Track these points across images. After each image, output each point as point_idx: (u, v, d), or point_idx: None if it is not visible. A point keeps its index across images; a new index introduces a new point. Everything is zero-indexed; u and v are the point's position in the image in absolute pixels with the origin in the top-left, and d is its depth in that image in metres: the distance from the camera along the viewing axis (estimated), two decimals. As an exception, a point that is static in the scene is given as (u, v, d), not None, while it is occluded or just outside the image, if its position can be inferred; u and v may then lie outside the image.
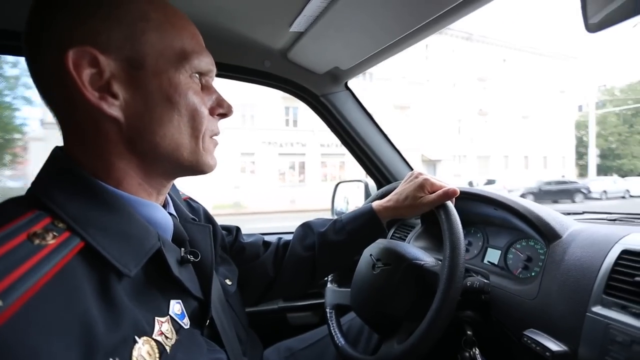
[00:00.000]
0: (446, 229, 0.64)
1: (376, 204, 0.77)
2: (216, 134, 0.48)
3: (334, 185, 1.47)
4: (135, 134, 0.41)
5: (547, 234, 0.68)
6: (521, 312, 0.65)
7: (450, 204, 0.69)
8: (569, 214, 0.91)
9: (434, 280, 0.62)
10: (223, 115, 0.49)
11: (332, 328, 0.80)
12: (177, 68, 0.42)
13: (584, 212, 0.92)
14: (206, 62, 0.45)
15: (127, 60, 0.39)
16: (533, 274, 0.73)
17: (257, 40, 0.95)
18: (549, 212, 0.74)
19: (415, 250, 0.75)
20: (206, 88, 0.46)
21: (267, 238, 0.80)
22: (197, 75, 0.44)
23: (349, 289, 0.83)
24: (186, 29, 0.44)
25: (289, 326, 1.14)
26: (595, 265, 0.55)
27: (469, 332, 0.71)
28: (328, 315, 0.82)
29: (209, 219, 0.68)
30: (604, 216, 0.86)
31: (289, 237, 0.79)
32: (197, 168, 0.46)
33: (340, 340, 0.77)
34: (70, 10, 0.38)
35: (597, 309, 0.52)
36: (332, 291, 0.86)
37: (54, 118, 0.42)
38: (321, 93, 1.11)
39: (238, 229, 0.78)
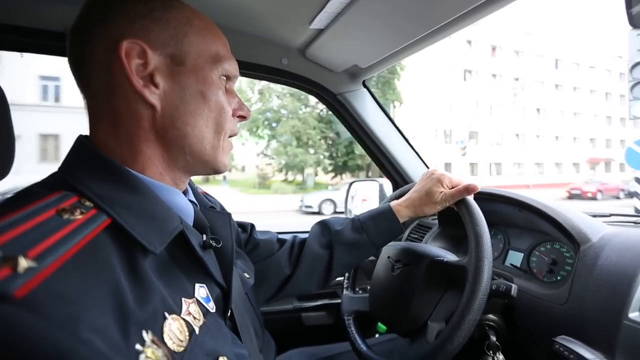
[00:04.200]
0: (469, 221, 0.63)
1: (394, 203, 0.76)
2: (234, 134, 0.52)
3: (348, 184, 1.46)
4: (168, 122, 0.44)
5: (577, 237, 0.66)
6: (550, 318, 0.63)
7: (471, 198, 0.68)
8: (595, 216, 0.89)
9: (460, 275, 0.61)
10: (242, 118, 0.53)
11: (352, 335, 0.78)
12: (211, 68, 0.46)
13: (611, 215, 0.89)
14: (234, 67, 0.50)
15: (171, 56, 0.44)
16: (559, 277, 0.71)
17: (276, 38, 0.94)
18: (577, 215, 0.72)
19: (435, 248, 0.73)
20: (229, 91, 0.50)
21: (280, 235, 0.79)
22: (224, 77, 0.49)
23: (366, 295, 0.81)
24: (220, 37, 0.49)
25: (304, 326, 1.13)
26: (632, 270, 0.53)
27: (492, 337, 0.70)
28: (347, 322, 0.81)
29: (224, 210, 0.68)
30: (633, 219, 0.83)
31: (304, 235, 0.79)
32: (214, 164, 0.49)
33: (362, 346, 0.75)
34: (127, 10, 0.42)
35: (636, 316, 0.49)
36: (349, 298, 0.85)
37: (85, 103, 0.45)
38: (338, 91, 1.09)
39: (252, 225, 0.78)
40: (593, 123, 31.44)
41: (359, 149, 18.91)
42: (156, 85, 0.43)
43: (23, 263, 0.27)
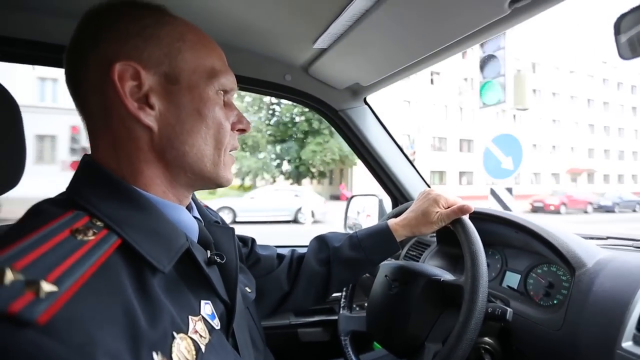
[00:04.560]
0: (464, 240, 0.63)
1: (392, 222, 0.77)
2: (235, 148, 0.51)
3: (348, 198, 1.46)
4: (165, 143, 0.43)
5: (573, 262, 0.66)
6: (545, 343, 0.62)
7: (467, 218, 0.68)
8: (592, 238, 0.89)
9: (457, 294, 0.61)
10: (242, 131, 0.52)
11: (349, 356, 0.78)
12: (207, 84, 0.45)
13: (608, 238, 0.89)
14: (231, 80, 0.49)
15: (165, 75, 0.43)
16: (555, 301, 0.70)
17: (280, 56, 0.97)
18: (573, 238, 0.72)
19: (432, 267, 0.74)
20: (228, 105, 0.49)
21: (280, 250, 0.80)
22: (222, 92, 0.48)
23: (363, 314, 0.81)
24: (215, 50, 0.48)
25: (300, 342, 1.12)
26: (626, 298, 0.53)
27: None
28: (343, 343, 0.80)
29: (226, 225, 0.69)
30: (630, 243, 0.83)
31: (302, 250, 0.79)
32: (216, 180, 0.48)
33: None
34: (119, 30, 0.42)
35: (628, 345, 0.49)
36: (346, 318, 0.85)
37: (84, 125, 0.45)
38: (340, 108, 1.11)
39: (253, 240, 0.78)
40: (574, 131, 30.22)
41: (305, 154, 18.87)
42: (151, 107, 0.42)
43: (45, 287, 0.27)
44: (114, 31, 0.41)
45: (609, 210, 17.99)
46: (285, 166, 20.46)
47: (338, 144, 19.17)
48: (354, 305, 0.99)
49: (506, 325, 0.70)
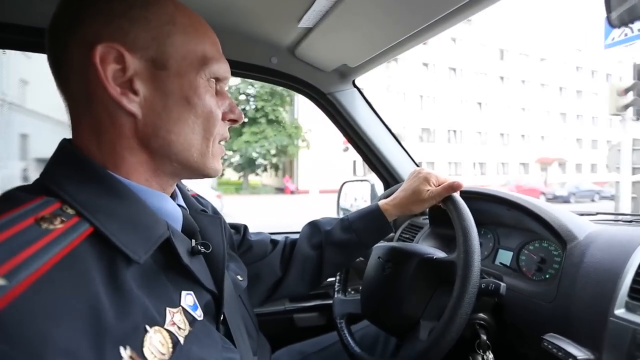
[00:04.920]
0: (456, 217, 0.63)
1: (382, 202, 0.76)
2: (225, 139, 0.49)
3: (340, 184, 1.45)
4: (150, 131, 0.41)
5: (564, 235, 0.66)
6: (538, 316, 0.63)
7: (457, 195, 0.68)
8: (582, 214, 0.90)
9: (451, 271, 0.61)
10: (233, 121, 0.50)
11: (345, 338, 0.78)
12: (197, 71, 0.43)
13: (597, 213, 0.90)
14: (224, 69, 0.46)
15: (152, 60, 0.40)
16: (547, 276, 0.71)
17: (264, 37, 0.93)
18: (564, 213, 0.72)
19: (425, 247, 0.74)
20: (220, 93, 0.47)
21: (273, 237, 0.79)
22: (213, 80, 0.46)
23: (357, 297, 0.81)
24: (208, 35, 0.45)
25: (296, 327, 1.12)
26: (617, 267, 0.54)
27: (482, 336, 0.70)
28: (339, 325, 0.81)
29: (216, 213, 0.67)
30: (619, 217, 0.85)
31: (296, 236, 0.79)
32: (203, 171, 0.46)
33: (355, 349, 0.75)
34: (102, 9, 0.39)
35: (621, 312, 0.50)
36: (341, 301, 0.85)
37: (66, 109, 0.42)
38: (328, 91, 1.09)
39: (245, 227, 0.77)
40: (545, 120, 29.20)
41: (237, 144, 17.79)
42: (135, 92, 0.40)
43: None
44: (97, 9, 0.39)
45: (565, 200, 17.71)
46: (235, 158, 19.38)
47: (274, 134, 18.36)
48: (349, 289, 1.00)
49: (500, 301, 0.71)
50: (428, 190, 0.72)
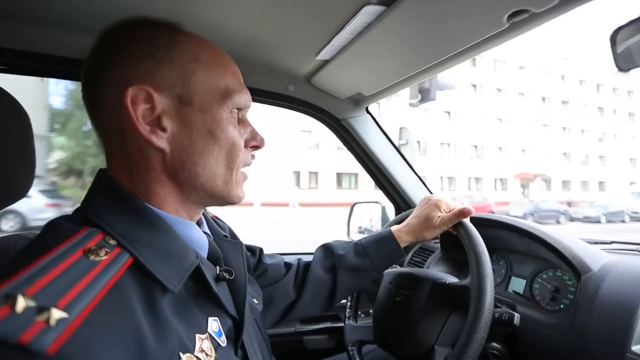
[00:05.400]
0: (468, 242, 0.64)
1: (395, 228, 0.78)
2: (248, 165, 0.51)
3: (351, 205, 1.47)
4: (178, 164, 0.43)
5: (578, 266, 0.67)
6: (553, 347, 0.63)
7: (468, 221, 0.69)
8: (595, 242, 0.89)
9: (464, 296, 0.61)
10: (256, 148, 0.52)
11: None
12: (220, 104, 0.45)
13: (612, 242, 0.90)
14: (245, 99, 0.48)
15: (177, 97, 0.42)
16: (562, 306, 0.71)
17: (283, 67, 0.98)
18: (577, 243, 0.73)
19: (437, 272, 0.74)
20: (242, 122, 0.49)
21: (286, 259, 0.80)
22: (236, 110, 0.47)
23: (369, 323, 0.81)
24: (230, 68, 0.48)
25: (306, 350, 1.12)
26: (634, 302, 0.54)
27: None
28: (350, 352, 0.80)
29: (234, 237, 0.69)
30: (634, 247, 0.84)
31: (307, 257, 0.80)
32: (227, 199, 0.48)
33: None
34: (132, 50, 0.42)
35: (638, 349, 0.50)
36: (352, 327, 0.84)
37: (100, 144, 0.45)
38: (342, 117, 1.13)
39: (261, 250, 0.79)
40: (526, 131, 26.21)
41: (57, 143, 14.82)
42: (163, 129, 0.42)
43: (55, 314, 0.27)
44: (127, 51, 0.42)
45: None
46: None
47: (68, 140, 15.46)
48: (359, 313, 0.99)
49: (513, 330, 0.71)
50: (439, 216, 0.73)
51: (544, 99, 27.23)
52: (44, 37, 0.81)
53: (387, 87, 0.99)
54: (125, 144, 0.42)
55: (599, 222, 16.54)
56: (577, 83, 28.64)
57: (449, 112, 23.82)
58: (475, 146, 24.68)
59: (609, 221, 16.00)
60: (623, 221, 16.62)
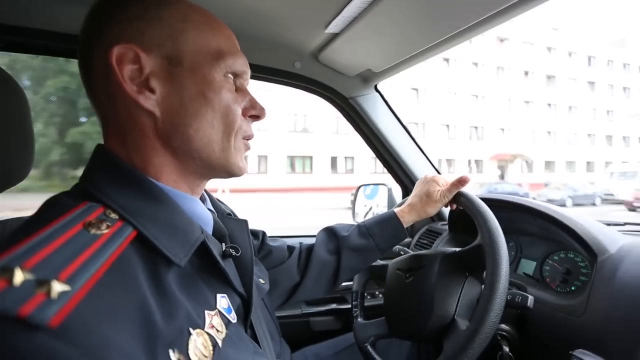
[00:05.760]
0: (471, 206, 0.66)
1: (398, 209, 0.80)
2: (249, 136, 0.49)
3: (357, 187, 1.45)
4: (169, 128, 0.42)
5: (595, 248, 0.65)
6: (566, 330, 0.62)
7: (466, 190, 0.73)
8: (609, 224, 0.88)
9: (477, 256, 0.61)
10: (255, 117, 0.49)
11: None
12: (212, 66, 0.43)
13: (625, 223, 0.88)
14: (240, 63, 0.46)
15: (167, 57, 0.41)
16: (573, 287, 0.70)
17: (289, 42, 0.94)
18: (593, 224, 0.71)
19: (441, 247, 0.73)
20: (240, 90, 0.47)
21: (288, 242, 0.80)
22: (231, 75, 0.45)
23: (379, 319, 0.80)
24: (222, 30, 0.46)
25: (312, 331, 1.13)
26: None
27: (505, 348, 0.69)
28: (365, 350, 0.78)
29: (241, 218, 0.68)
30: None
31: (309, 240, 0.81)
32: (226, 167, 0.46)
33: None
34: (120, 13, 0.40)
35: None
36: (362, 325, 0.82)
37: (96, 114, 0.44)
38: (350, 95, 1.09)
39: (264, 233, 0.79)
40: (506, 109, 23.80)
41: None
42: (152, 90, 0.40)
43: (56, 287, 0.26)
44: (117, 15, 0.40)
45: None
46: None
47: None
48: (366, 295, 0.99)
49: (523, 312, 0.70)
50: (438, 190, 0.77)
51: (526, 73, 24.66)
52: (39, 13, 0.77)
53: (398, 64, 0.95)
54: (117, 111, 0.41)
55: (563, 205, 15.98)
56: (565, 55, 26.04)
57: (416, 89, 21.56)
58: (447, 125, 22.35)
59: (576, 204, 14.88)
60: (594, 204, 15.74)
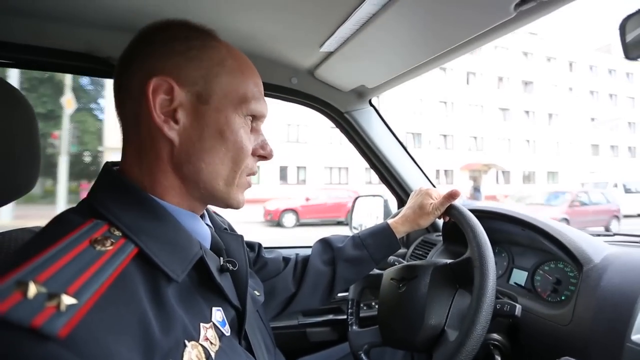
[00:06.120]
0: (461, 219, 0.68)
1: (391, 221, 0.82)
2: (253, 173, 0.52)
3: (353, 199, 1.47)
4: (184, 157, 0.45)
5: (580, 258, 0.67)
6: (554, 338, 0.63)
7: (458, 203, 0.75)
8: (598, 235, 0.90)
9: (467, 269, 0.63)
10: (263, 158, 0.53)
11: None
12: (235, 109, 0.46)
13: (615, 234, 0.90)
14: (261, 108, 0.49)
15: (197, 94, 0.44)
16: (563, 297, 0.72)
17: (286, 60, 0.98)
18: (580, 235, 0.73)
19: (435, 258, 0.75)
20: (255, 130, 0.51)
21: (284, 253, 0.82)
22: (250, 117, 0.49)
23: (373, 327, 0.81)
24: (252, 77, 0.49)
25: (309, 342, 1.13)
26: (635, 292, 0.54)
27: (497, 357, 0.70)
28: (358, 359, 0.79)
29: (233, 231, 0.70)
30: (637, 239, 0.84)
31: (306, 252, 0.82)
32: (227, 201, 0.49)
33: None
34: (165, 46, 0.44)
35: (638, 338, 0.50)
36: (357, 333, 0.83)
37: (121, 129, 0.47)
38: (345, 110, 1.13)
39: (260, 245, 0.81)
40: (479, 117, 22.22)
41: None
42: (176, 121, 0.44)
43: (65, 300, 0.28)
44: (162, 48, 0.44)
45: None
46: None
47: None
48: (362, 306, 1.00)
49: (515, 322, 0.71)
50: (431, 203, 0.79)
51: (500, 79, 23.17)
52: (49, 31, 0.81)
53: (391, 80, 0.99)
54: (140, 131, 0.44)
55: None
56: (543, 60, 24.40)
57: (377, 96, 20.29)
58: (413, 134, 20.98)
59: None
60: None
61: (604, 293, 0.59)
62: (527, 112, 23.95)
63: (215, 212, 0.69)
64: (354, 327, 0.86)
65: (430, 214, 0.79)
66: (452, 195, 0.76)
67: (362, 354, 0.80)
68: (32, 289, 0.28)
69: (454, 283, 0.68)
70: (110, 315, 0.30)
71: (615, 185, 14.26)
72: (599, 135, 25.91)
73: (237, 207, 0.50)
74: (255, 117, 0.50)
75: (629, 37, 0.51)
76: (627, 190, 14.14)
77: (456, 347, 0.55)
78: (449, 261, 0.69)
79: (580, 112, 25.42)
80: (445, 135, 21.91)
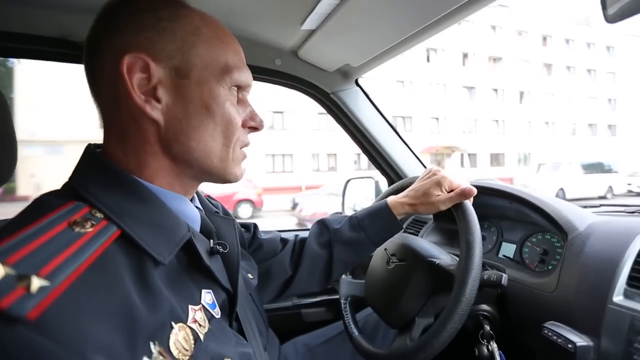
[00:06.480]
0: (463, 228, 0.62)
1: (391, 199, 0.75)
2: (246, 145, 0.50)
3: (345, 181, 1.47)
4: (171, 137, 0.43)
5: (565, 227, 0.68)
6: (540, 305, 0.65)
7: (468, 203, 0.66)
8: (585, 207, 0.91)
9: (449, 280, 0.61)
10: (254, 129, 0.51)
11: (346, 319, 0.80)
12: (218, 80, 0.44)
13: (601, 205, 0.91)
14: (245, 77, 0.47)
15: (175, 69, 0.42)
16: (550, 267, 0.73)
17: (268, 40, 0.96)
18: (566, 205, 0.74)
19: (431, 246, 0.73)
20: (242, 101, 0.49)
21: (283, 235, 0.80)
22: (235, 88, 0.47)
23: (364, 281, 0.83)
24: (231, 45, 0.47)
25: (303, 322, 1.15)
26: (616, 256, 0.55)
27: (486, 327, 0.72)
28: (342, 306, 0.83)
29: (227, 214, 0.69)
30: (622, 208, 0.85)
31: (305, 234, 0.79)
32: (223, 176, 0.48)
33: (354, 331, 0.77)
34: (133, 21, 0.41)
35: (620, 300, 0.51)
36: (347, 282, 0.87)
37: (99, 116, 0.45)
38: (331, 90, 1.11)
39: (255, 225, 0.79)
40: (442, 95, 20.55)
41: None
42: (158, 100, 0.42)
43: (36, 282, 0.27)
44: (129, 22, 0.41)
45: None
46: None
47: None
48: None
49: (503, 292, 0.73)
50: (438, 195, 0.69)
51: (465, 55, 21.28)
52: (17, 15, 0.78)
53: (375, 57, 0.97)
54: (120, 115, 0.42)
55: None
56: (514, 34, 22.50)
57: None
58: None
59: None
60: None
61: (586, 259, 0.59)
62: (495, 90, 22.21)
63: (209, 196, 0.68)
64: (347, 276, 0.89)
65: (433, 205, 0.70)
66: (465, 194, 0.66)
67: (347, 303, 0.83)
68: (1, 271, 0.27)
69: (436, 283, 0.67)
70: (88, 298, 0.30)
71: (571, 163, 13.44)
72: (576, 113, 24.31)
73: (234, 181, 0.49)
74: (241, 88, 0.48)
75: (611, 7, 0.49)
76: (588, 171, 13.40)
77: (410, 351, 0.59)
78: (437, 261, 0.67)
79: (555, 89, 23.71)
80: (403, 117, 20.16)
